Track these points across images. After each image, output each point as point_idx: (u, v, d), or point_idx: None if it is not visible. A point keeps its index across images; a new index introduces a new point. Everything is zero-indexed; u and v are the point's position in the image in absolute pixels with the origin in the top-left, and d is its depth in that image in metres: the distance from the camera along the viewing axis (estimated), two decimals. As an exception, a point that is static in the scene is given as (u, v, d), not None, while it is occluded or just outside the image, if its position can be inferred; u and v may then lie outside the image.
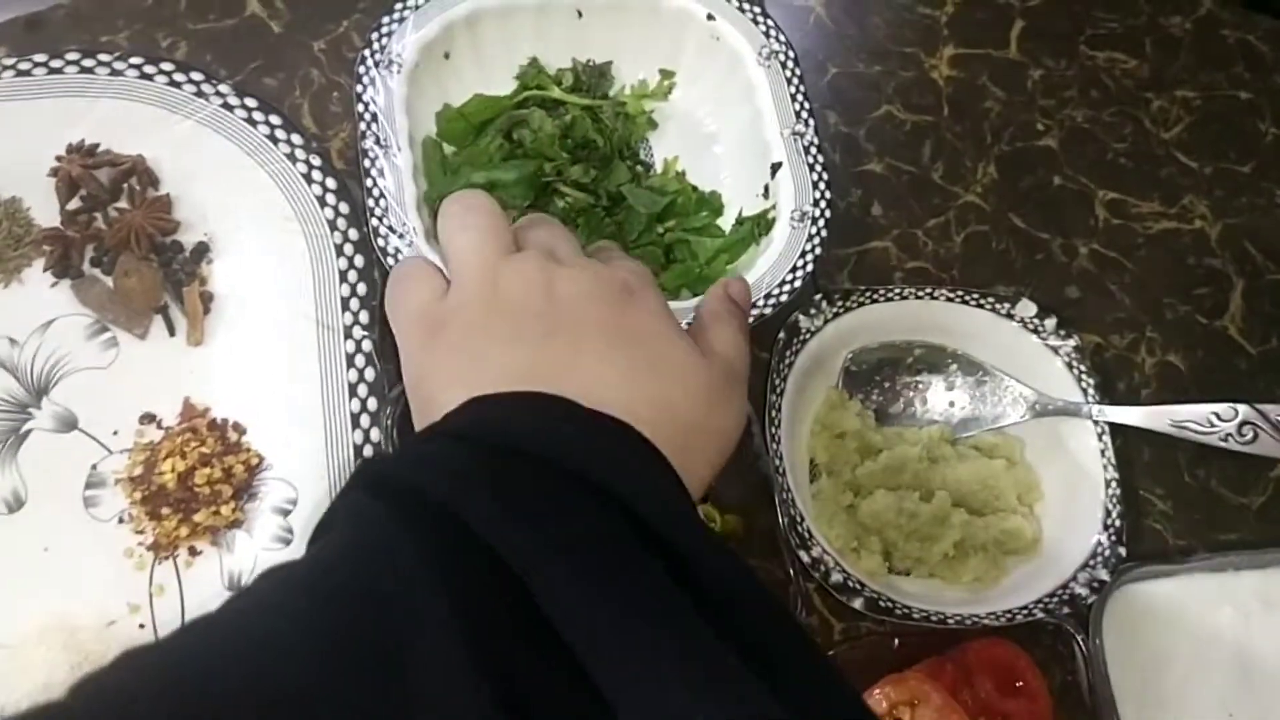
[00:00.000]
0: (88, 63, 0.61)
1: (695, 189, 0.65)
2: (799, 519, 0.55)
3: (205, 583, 0.53)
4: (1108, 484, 0.59)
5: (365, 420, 0.56)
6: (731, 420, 0.44)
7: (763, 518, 0.56)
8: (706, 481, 0.42)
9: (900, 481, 0.60)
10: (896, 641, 0.55)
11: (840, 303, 0.62)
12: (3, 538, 0.53)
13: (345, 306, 0.58)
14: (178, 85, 0.62)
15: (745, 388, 0.46)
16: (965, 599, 0.58)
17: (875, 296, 0.62)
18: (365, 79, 0.60)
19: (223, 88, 0.62)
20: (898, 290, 0.63)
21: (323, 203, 0.61)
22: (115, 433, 0.56)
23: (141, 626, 0.52)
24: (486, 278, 0.43)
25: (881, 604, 0.54)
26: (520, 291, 0.42)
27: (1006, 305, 0.63)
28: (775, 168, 0.62)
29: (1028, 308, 0.63)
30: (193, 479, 0.54)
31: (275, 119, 0.62)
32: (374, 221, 0.56)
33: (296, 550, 0.54)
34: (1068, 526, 0.60)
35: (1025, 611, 0.55)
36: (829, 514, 0.59)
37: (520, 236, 0.45)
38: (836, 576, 0.54)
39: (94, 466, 0.55)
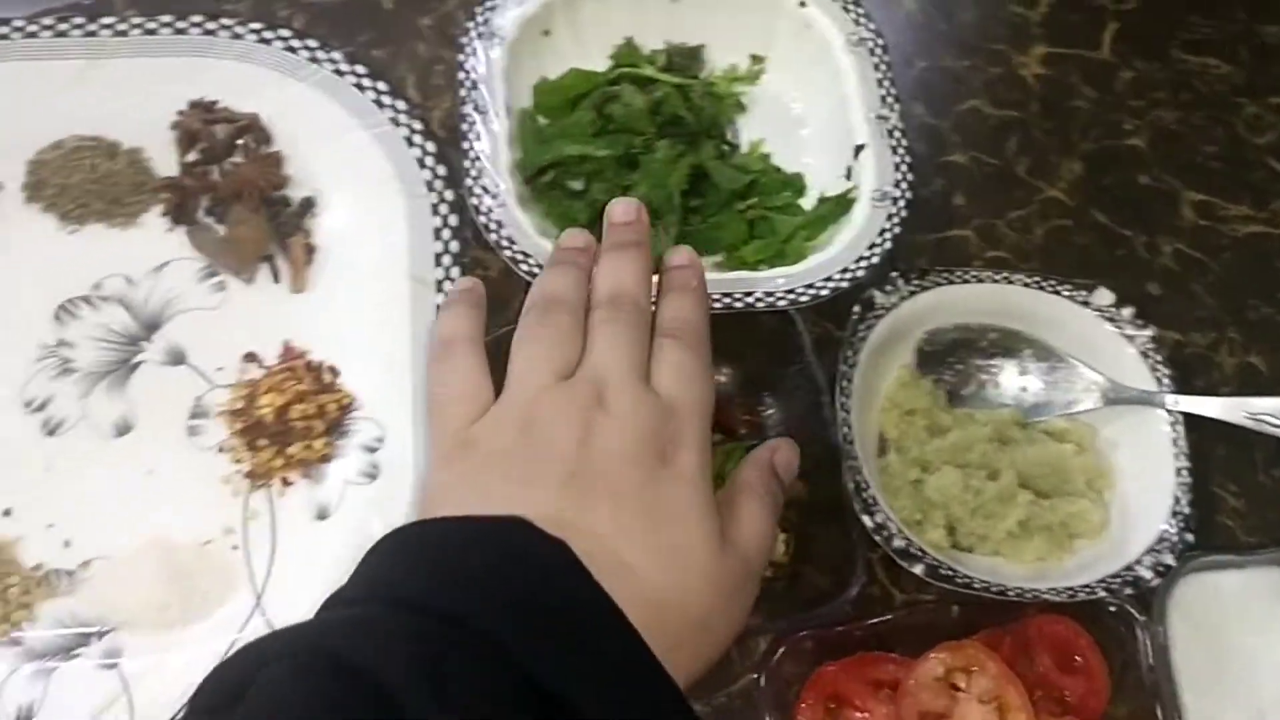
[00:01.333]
0: (210, 25, 0.65)
1: (779, 170, 0.67)
2: (864, 485, 0.56)
3: (295, 511, 0.57)
4: (1178, 472, 0.59)
5: (451, 368, 0.59)
6: (731, 626, 0.42)
7: (826, 486, 0.58)
8: (688, 680, 0.40)
9: (968, 460, 0.61)
10: (956, 609, 0.56)
11: (916, 282, 0.63)
12: (111, 459, 0.57)
13: (438, 262, 0.61)
14: (293, 50, 0.65)
15: (758, 584, 0.44)
16: (1028, 578, 0.58)
17: (952, 278, 0.63)
18: (468, 48, 0.63)
19: (335, 55, 0.66)
20: (974, 273, 0.64)
21: (422, 164, 0.64)
22: (220, 369, 0.59)
23: (235, 548, 0.56)
24: (526, 409, 0.44)
25: (942, 571, 0.55)
26: (555, 433, 0.42)
27: (1083, 293, 0.64)
28: (858, 149, 0.63)
29: (1104, 296, 0.63)
30: (289, 414, 0.57)
31: (382, 85, 0.65)
32: (469, 182, 0.59)
33: (382, 485, 0.56)
34: (1136, 513, 0.60)
35: (1087, 589, 0.55)
36: (895, 488, 0.60)
37: (588, 345, 0.46)
38: (899, 542, 0.55)
39: (198, 399, 0.59)
